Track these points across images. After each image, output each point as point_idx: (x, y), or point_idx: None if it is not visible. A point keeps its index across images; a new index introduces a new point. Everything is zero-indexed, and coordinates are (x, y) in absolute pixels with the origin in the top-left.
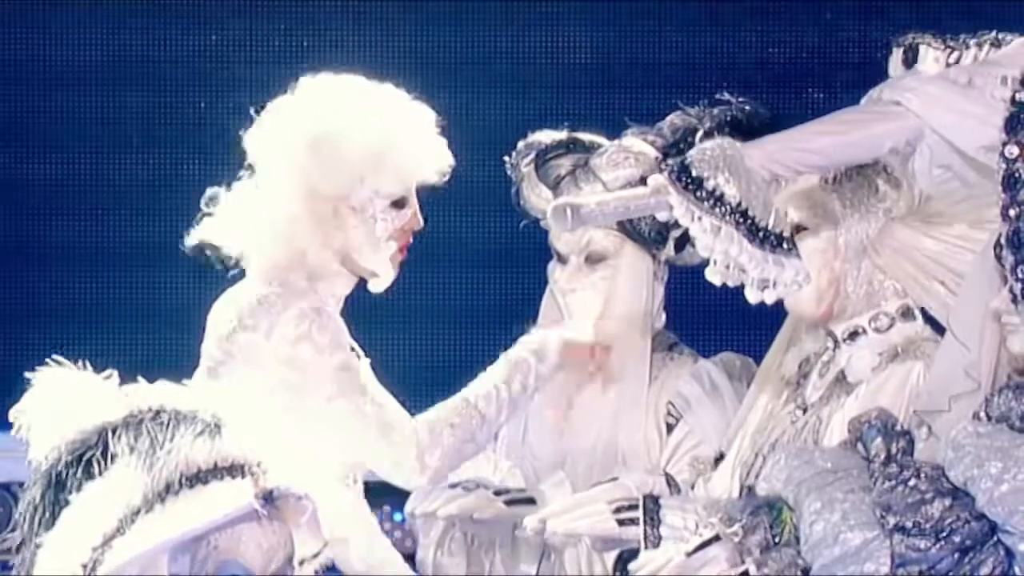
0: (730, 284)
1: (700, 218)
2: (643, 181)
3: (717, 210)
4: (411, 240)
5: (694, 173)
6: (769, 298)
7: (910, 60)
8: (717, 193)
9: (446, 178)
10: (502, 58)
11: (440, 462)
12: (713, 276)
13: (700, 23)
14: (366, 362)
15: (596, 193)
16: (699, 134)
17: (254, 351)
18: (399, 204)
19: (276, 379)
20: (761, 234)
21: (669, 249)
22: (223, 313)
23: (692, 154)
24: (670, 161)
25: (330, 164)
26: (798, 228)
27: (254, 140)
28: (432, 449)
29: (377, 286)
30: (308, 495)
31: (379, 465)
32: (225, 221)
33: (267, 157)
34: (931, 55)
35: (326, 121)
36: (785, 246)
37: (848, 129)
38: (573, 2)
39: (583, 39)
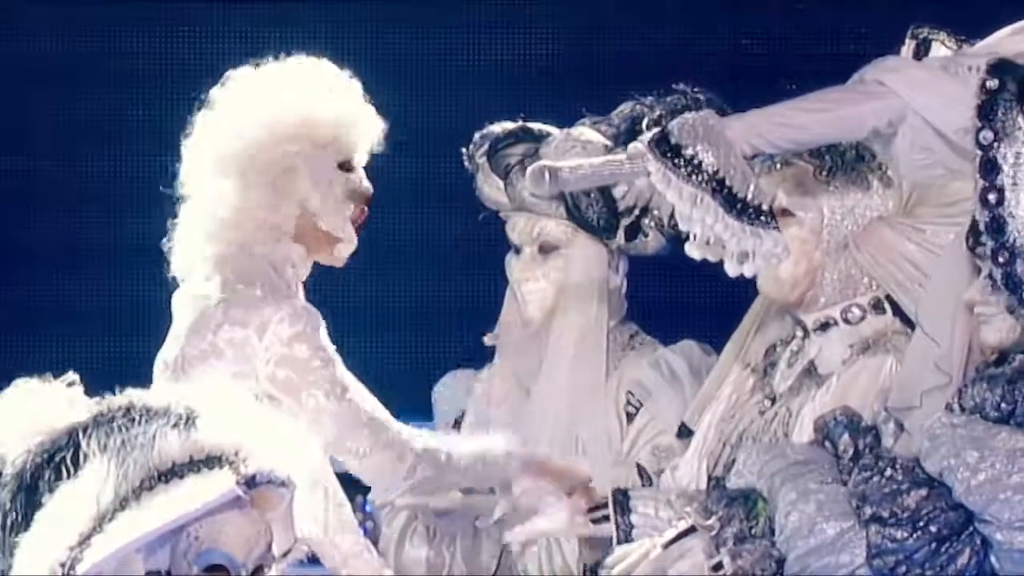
0: (710, 259)
1: (677, 186)
2: None
3: (694, 178)
4: (366, 212)
5: (672, 141)
6: (748, 271)
7: (921, 54)
8: (695, 161)
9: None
10: (472, 52)
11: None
12: (692, 250)
13: (672, 14)
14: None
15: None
16: (645, 121)
17: (244, 347)
18: (345, 167)
19: (264, 377)
20: (739, 205)
21: (620, 238)
22: (199, 308)
23: (672, 123)
24: (653, 130)
25: (267, 136)
26: (784, 212)
27: (186, 155)
28: (422, 465)
29: (341, 252)
30: (289, 479)
31: (359, 465)
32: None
33: (197, 164)
34: (942, 52)
35: (256, 101)
36: (763, 218)
37: (831, 107)
38: None
39: (554, 32)
